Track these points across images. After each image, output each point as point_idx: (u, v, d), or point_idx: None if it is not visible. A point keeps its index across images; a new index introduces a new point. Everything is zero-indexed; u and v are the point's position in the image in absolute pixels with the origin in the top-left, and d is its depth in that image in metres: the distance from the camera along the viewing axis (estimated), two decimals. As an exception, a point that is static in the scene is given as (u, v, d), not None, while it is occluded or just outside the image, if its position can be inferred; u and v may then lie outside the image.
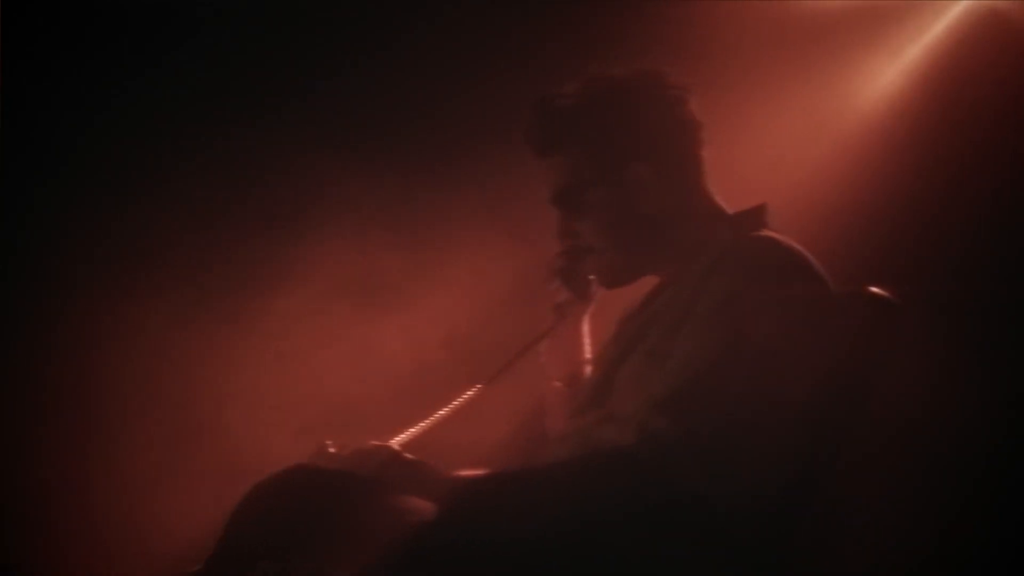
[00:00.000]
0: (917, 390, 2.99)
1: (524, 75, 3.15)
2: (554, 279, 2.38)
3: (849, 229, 3.13)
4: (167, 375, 3.31)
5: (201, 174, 3.39)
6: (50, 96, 3.35)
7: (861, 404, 2.01)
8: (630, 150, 2.15)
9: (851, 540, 2.97)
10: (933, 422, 3.12)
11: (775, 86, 3.28)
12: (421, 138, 3.43)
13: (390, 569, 1.81)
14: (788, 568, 1.96)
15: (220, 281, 3.34)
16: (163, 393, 3.31)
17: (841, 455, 2.00)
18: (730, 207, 2.20)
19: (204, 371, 3.22)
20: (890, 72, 3.38)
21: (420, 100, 3.45)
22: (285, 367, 3.27)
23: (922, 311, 2.29)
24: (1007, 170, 3.25)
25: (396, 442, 2.16)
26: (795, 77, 3.30)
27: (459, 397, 2.30)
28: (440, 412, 2.27)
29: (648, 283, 2.24)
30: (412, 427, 2.23)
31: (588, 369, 2.38)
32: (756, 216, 2.17)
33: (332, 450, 2.12)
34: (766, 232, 2.12)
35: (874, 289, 2.04)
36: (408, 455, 2.09)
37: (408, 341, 3.20)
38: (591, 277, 2.34)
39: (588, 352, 2.42)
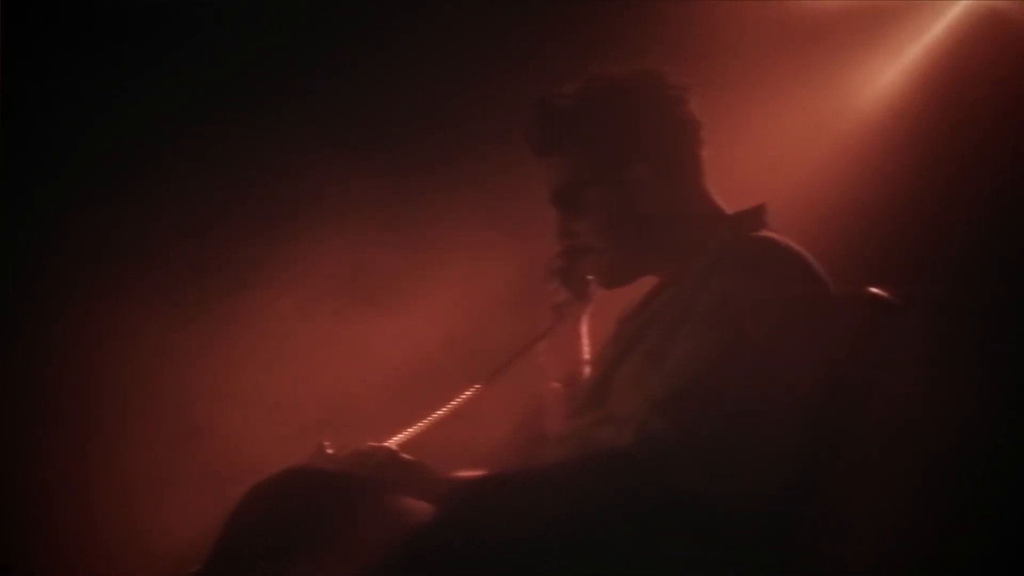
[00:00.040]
0: (917, 390, 3.00)
1: (524, 75, 3.15)
2: (553, 279, 2.38)
3: (849, 229, 3.13)
4: (166, 375, 3.30)
5: (201, 174, 3.39)
6: (50, 96, 3.34)
7: (861, 404, 2.01)
8: (630, 150, 2.15)
9: (851, 540, 2.97)
10: (933, 422, 3.11)
11: (775, 86, 3.28)
12: (421, 138, 3.43)
13: (389, 570, 1.81)
14: (788, 568, 1.96)
15: (219, 281, 3.33)
16: (162, 393, 3.30)
17: (841, 455, 2.00)
18: (730, 207, 2.20)
19: (203, 371, 3.22)
20: (890, 72, 3.38)
21: (420, 100, 3.45)
22: (284, 367, 3.27)
23: (922, 311, 2.29)
24: (1007, 170, 3.24)
25: (394, 442, 2.15)
26: (795, 77, 3.30)
27: (457, 397, 2.29)
28: (438, 412, 2.27)
29: (647, 283, 2.24)
30: (410, 427, 2.22)
31: (587, 369, 2.38)
32: (756, 216, 2.17)
33: (330, 451, 2.11)
34: (765, 232, 2.12)
35: (874, 289, 2.04)
36: (406, 456, 2.08)
37: (407, 341, 3.20)
38: (590, 277, 2.34)
39: (587, 352, 2.42)
